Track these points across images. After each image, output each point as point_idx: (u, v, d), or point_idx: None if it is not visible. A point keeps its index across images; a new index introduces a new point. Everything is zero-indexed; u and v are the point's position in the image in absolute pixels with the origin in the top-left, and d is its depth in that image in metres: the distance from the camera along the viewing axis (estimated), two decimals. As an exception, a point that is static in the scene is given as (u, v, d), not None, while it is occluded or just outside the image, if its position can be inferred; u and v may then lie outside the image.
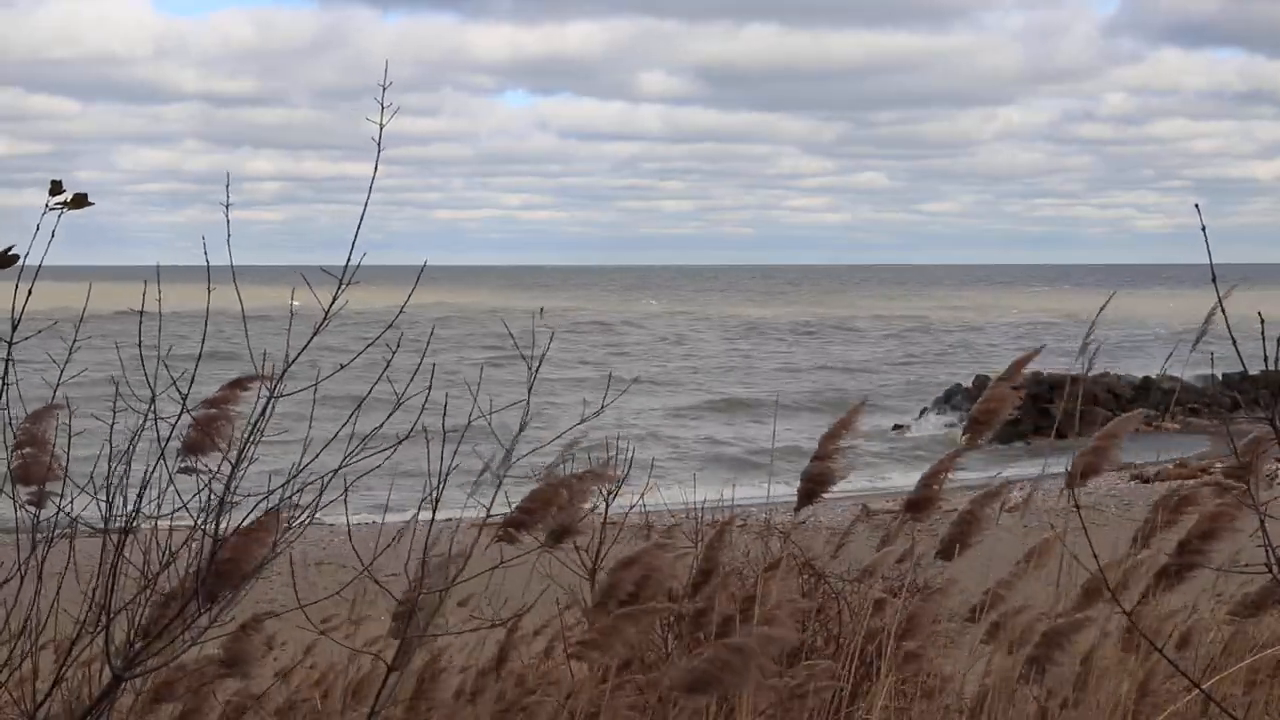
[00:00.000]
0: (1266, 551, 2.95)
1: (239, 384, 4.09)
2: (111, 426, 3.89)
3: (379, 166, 3.83)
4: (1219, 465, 21.54)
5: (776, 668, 4.83)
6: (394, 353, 3.95)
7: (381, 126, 3.79)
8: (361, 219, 3.85)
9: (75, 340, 3.89)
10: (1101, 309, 5.35)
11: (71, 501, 3.91)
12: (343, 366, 3.91)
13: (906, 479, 29.86)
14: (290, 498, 3.81)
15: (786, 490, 5.56)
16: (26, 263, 3.54)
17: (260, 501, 3.81)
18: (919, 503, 5.17)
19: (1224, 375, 38.84)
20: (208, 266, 3.95)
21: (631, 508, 5.88)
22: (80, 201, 3.50)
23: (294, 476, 3.83)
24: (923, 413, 40.06)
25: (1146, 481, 25.14)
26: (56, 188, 3.48)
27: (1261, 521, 3.24)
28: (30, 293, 3.63)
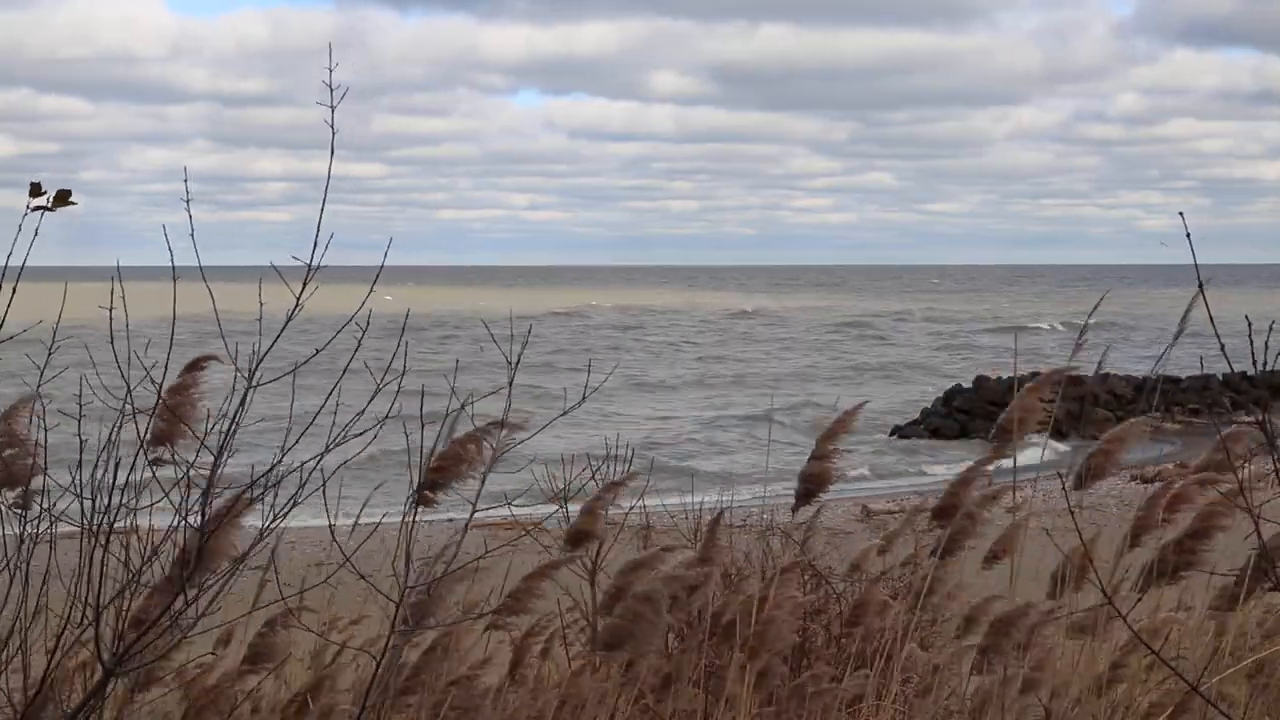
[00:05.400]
0: (1262, 552, 2.95)
1: (197, 365, 4.10)
2: (78, 422, 3.90)
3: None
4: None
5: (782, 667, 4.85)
6: (359, 342, 3.94)
7: (333, 108, 3.79)
8: (322, 211, 3.84)
9: (54, 342, 3.89)
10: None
11: (55, 502, 3.91)
12: (318, 351, 3.90)
13: (907, 480, 29.88)
14: (271, 487, 3.81)
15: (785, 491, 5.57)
16: (11, 263, 3.53)
17: (242, 493, 3.81)
18: (944, 510, 5.17)
19: (1224, 376, 38.85)
20: (173, 264, 3.94)
21: (630, 508, 5.89)
22: (63, 199, 3.48)
23: (275, 466, 3.83)
24: (924, 414, 40.01)
25: (1148, 482, 25.12)
26: (36, 189, 3.46)
27: (1256, 524, 3.24)
28: (15, 291, 3.63)
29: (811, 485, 5.08)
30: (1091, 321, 5.24)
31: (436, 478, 4.28)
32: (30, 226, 3.55)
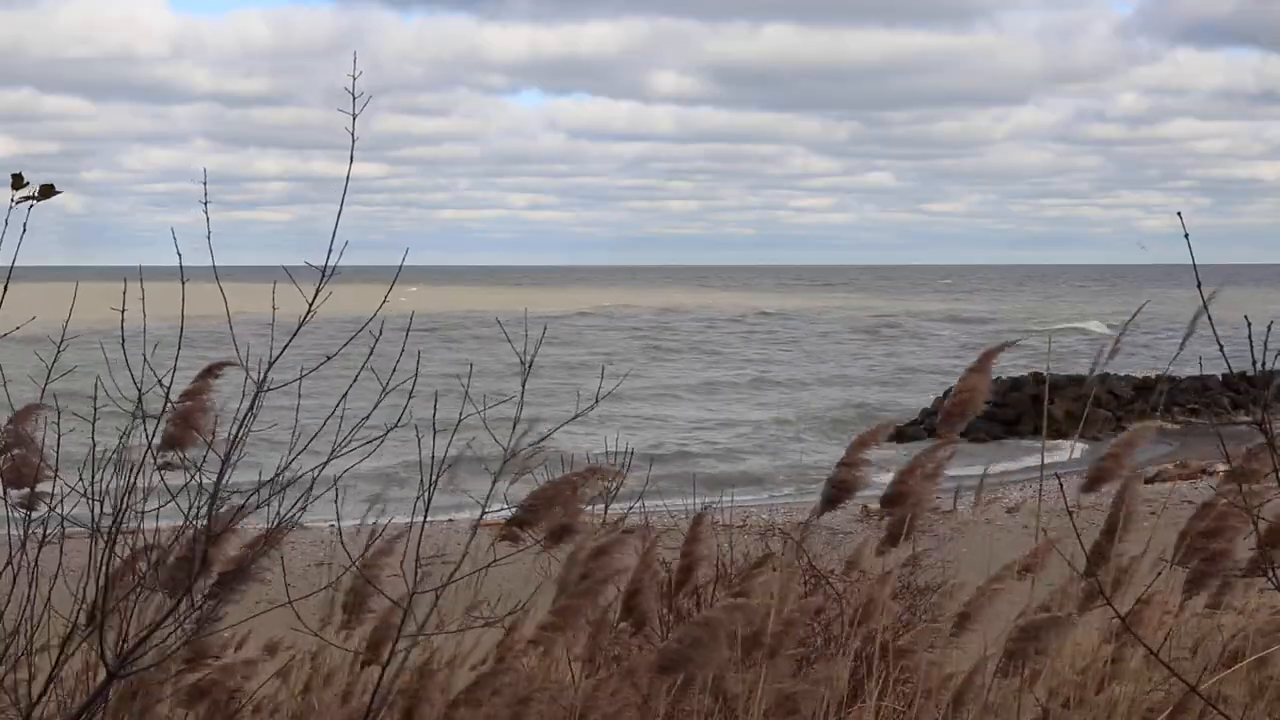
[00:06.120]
0: (1262, 555, 2.95)
1: (211, 372, 4.10)
2: (93, 424, 3.91)
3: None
4: (1220, 468, 21.56)
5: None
6: (373, 347, 3.94)
7: (355, 115, 3.80)
8: (339, 215, 3.85)
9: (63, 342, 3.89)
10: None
11: (61, 501, 3.91)
12: (329, 357, 3.90)
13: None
14: (279, 493, 3.81)
15: (786, 493, 5.57)
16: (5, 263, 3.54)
17: (250, 496, 3.82)
18: (894, 498, 5.15)
19: (1223, 376, 38.89)
20: (180, 265, 3.94)
21: (630, 508, 5.88)
22: (48, 192, 3.46)
23: (282, 471, 3.83)
24: (924, 414, 40.04)
25: (1148, 482, 25.12)
26: (18, 181, 3.44)
27: (1255, 525, 3.24)
28: (6, 289, 3.63)
29: (839, 491, 5.09)
30: (1128, 322, 5.23)
31: (530, 515, 4.31)
32: (19, 222, 3.54)
